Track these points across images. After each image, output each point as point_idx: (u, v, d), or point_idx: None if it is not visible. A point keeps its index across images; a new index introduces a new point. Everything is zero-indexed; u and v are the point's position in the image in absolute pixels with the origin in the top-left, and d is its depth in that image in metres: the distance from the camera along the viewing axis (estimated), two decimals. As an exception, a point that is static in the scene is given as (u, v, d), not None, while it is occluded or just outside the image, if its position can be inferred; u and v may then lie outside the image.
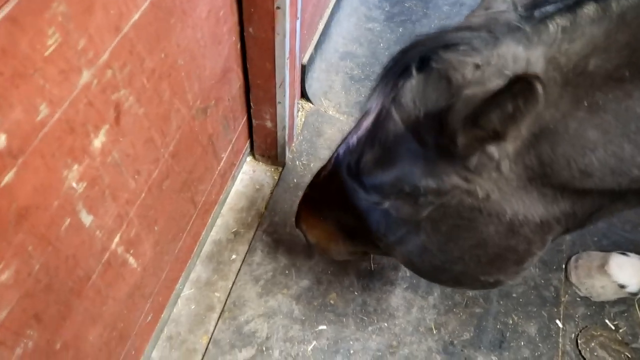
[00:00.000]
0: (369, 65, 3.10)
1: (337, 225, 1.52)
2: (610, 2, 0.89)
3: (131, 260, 1.59)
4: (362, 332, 2.16)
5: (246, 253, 2.33)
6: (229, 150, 2.25)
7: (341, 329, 2.17)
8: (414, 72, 1.00)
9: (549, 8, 0.94)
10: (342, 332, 2.16)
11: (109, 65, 1.15)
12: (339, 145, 1.36)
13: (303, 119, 2.76)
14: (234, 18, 1.82)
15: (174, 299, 2.11)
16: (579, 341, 2.18)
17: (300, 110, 2.78)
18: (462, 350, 2.14)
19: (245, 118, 2.33)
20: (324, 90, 2.89)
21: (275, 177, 2.60)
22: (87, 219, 1.26)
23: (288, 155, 2.60)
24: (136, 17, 1.19)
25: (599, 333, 2.21)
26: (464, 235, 1.13)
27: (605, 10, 0.89)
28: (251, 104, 2.25)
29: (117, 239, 1.45)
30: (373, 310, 2.22)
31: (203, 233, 2.24)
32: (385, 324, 2.19)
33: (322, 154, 2.67)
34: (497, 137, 0.89)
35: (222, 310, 2.18)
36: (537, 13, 0.95)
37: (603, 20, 0.88)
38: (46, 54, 0.93)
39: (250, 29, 1.87)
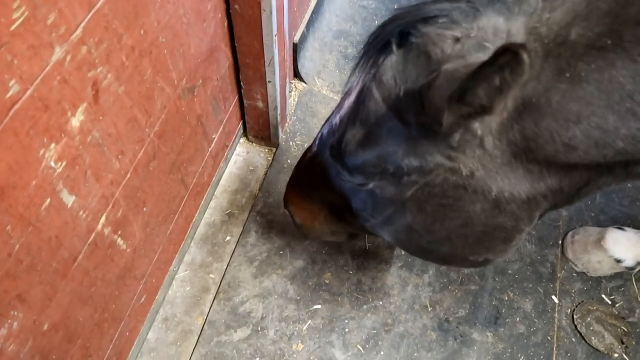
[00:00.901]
0: (363, 43, 3.04)
1: (324, 205, 1.51)
2: None
3: (120, 241, 1.58)
4: (357, 310, 2.16)
5: (240, 234, 2.33)
6: (220, 131, 2.23)
7: (336, 308, 2.17)
8: (394, 47, 0.97)
9: None
10: (337, 311, 2.16)
11: (84, 42, 1.12)
12: (323, 125, 1.34)
13: (296, 99, 2.73)
14: (219, -6, 1.78)
15: (168, 281, 2.12)
16: (574, 316, 2.18)
17: (293, 90, 2.74)
18: (457, 327, 2.14)
19: (236, 98, 2.31)
20: (318, 70, 2.85)
21: (269, 158, 2.58)
22: (68, 199, 1.24)
23: (281, 135, 2.57)
24: (110, -9, 1.16)
25: (595, 308, 2.20)
26: (450, 215, 1.12)
27: None
28: (242, 83, 2.22)
29: (102, 220, 1.44)
30: (368, 289, 2.22)
31: (196, 215, 2.24)
32: (380, 302, 2.18)
33: (316, 134, 2.64)
34: (484, 111, 0.86)
35: (217, 292, 2.18)
36: None
37: None
38: (12, 28, 0.91)
39: (236, 6, 1.84)
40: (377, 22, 3.12)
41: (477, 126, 0.92)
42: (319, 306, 2.17)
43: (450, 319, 2.17)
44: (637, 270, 2.23)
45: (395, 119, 1.00)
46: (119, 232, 1.57)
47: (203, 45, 1.79)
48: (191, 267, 2.24)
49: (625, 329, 2.16)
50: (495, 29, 0.90)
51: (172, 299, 2.16)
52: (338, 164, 1.20)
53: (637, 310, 2.22)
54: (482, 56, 0.88)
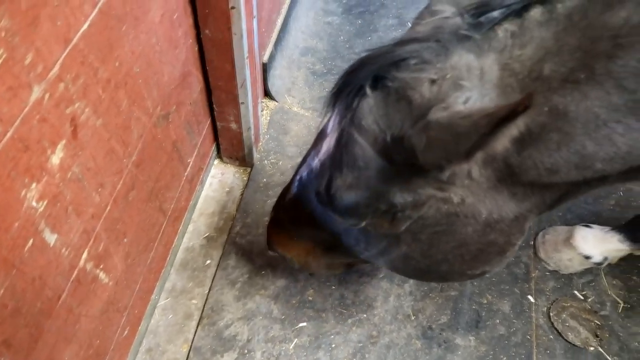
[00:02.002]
0: (330, 59, 3.10)
1: (314, 242, 1.52)
2: (555, 4, 0.90)
3: (102, 275, 1.55)
4: (342, 325, 2.18)
5: (220, 257, 2.31)
6: (194, 154, 2.22)
7: (321, 324, 2.18)
8: (369, 91, 0.99)
9: (495, 14, 0.93)
10: (322, 327, 2.17)
11: (61, 79, 1.11)
12: (300, 167, 1.35)
13: (268, 118, 2.75)
14: (189, 20, 1.79)
15: (150, 310, 2.08)
16: (551, 314, 2.26)
17: (265, 109, 2.76)
18: (440, 334, 2.19)
19: (209, 121, 2.31)
20: (287, 87, 2.88)
21: (245, 179, 2.58)
22: (51, 237, 1.22)
23: (256, 155, 2.58)
24: (85, 26, 1.16)
25: (569, 304, 2.29)
26: (444, 239, 1.15)
27: (552, 13, 0.89)
28: (214, 106, 2.22)
29: (85, 255, 1.41)
30: (351, 303, 2.24)
31: (175, 241, 2.21)
32: (364, 315, 2.21)
33: (290, 152, 2.66)
34: (469, 157, 0.93)
35: (201, 317, 2.15)
36: (483, 19, 0.94)
37: (550, 23, 0.89)
38: (-8, 71, 0.90)
39: (207, 31, 1.85)
40: (342, 38, 3.19)
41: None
42: (304, 324, 2.18)
43: (433, 326, 2.21)
44: (604, 265, 2.33)
45: (383, 160, 1.02)
46: (101, 266, 1.54)
47: (176, 72, 1.79)
48: (172, 294, 2.21)
49: (599, 323, 2.26)
50: (468, 66, 0.93)
51: (155, 328, 2.12)
52: (328, 209, 1.20)
53: (608, 304, 2.32)
54: (460, 95, 0.91)
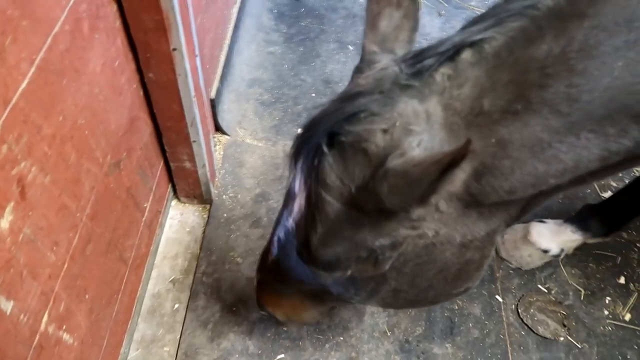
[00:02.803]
0: (277, 88, 3.14)
1: (302, 295, 1.55)
2: (483, 44, 0.98)
3: (66, 336, 1.49)
4: (320, 351, 2.17)
5: (189, 299, 2.26)
6: (151, 198, 2.18)
7: (299, 353, 2.15)
8: (326, 149, 1.02)
9: (430, 61, 1.00)
10: (301, 356, 2.15)
11: (3, 140, 1.08)
12: (275, 228, 1.39)
13: (222, 152, 2.74)
14: (132, 66, 1.78)
15: (120, 365, 2.00)
16: (519, 310, 2.33)
17: (218, 144, 2.75)
18: (417, 345, 2.21)
19: (162, 163, 2.28)
20: (238, 120, 2.89)
21: (205, 216, 2.55)
22: (7, 305, 1.16)
23: (213, 191, 2.56)
24: (24, 85, 1.14)
25: (535, 299, 2.37)
26: (427, 268, 1.22)
27: (481, 53, 0.98)
28: (165, 147, 2.20)
29: (45, 319, 1.36)
30: (327, 327, 2.23)
31: (139, 289, 2.15)
32: (341, 338, 2.20)
33: (248, 184, 2.66)
34: (424, 202, 0.99)
35: (175, 364, 2.09)
36: (419, 67, 1.01)
37: (481, 62, 0.97)
38: None
39: (150, 75, 1.84)
40: (286, 66, 3.25)
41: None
42: (282, 355, 2.15)
43: (410, 339, 2.23)
44: (562, 256, 2.44)
45: (354, 211, 1.05)
46: (64, 327, 1.48)
47: (122, 118, 1.77)
48: (142, 345, 2.13)
49: (564, 313, 2.34)
50: (415, 111, 0.98)
51: (128, 382, 2.04)
52: (312, 267, 1.24)
53: (571, 293, 2.42)
54: (413, 140, 0.97)
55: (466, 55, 0.99)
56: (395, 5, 1.15)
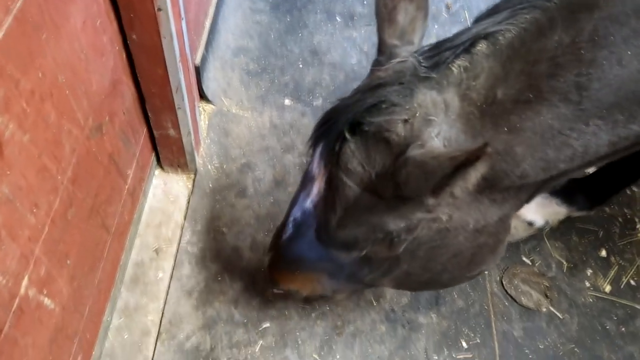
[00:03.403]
0: (263, 57, 3.07)
1: (317, 271, 1.54)
2: (497, 36, 1.02)
3: (47, 301, 1.46)
4: (306, 320, 2.17)
5: (173, 268, 2.24)
6: (134, 166, 2.13)
7: (285, 322, 2.15)
8: (349, 137, 1.08)
9: (447, 54, 1.06)
10: (286, 325, 2.15)
11: (-22, 93, 1.03)
12: (292, 207, 1.42)
13: (207, 121, 2.69)
14: (114, 26, 1.71)
15: (103, 333, 1.97)
16: (503, 282, 2.35)
17: (202, 113, 2.70)
18: (403, 315, 2.23)
19: (145, 130, 2.22)
20: (223, 89, 2.82)
21: (189, 186, 2.51)
22: (-15, 266, 1.13)
23: (198, 160, 2.52)
24: (0, 35, 1.07)
25: (519, 270, 2.40)
26: (440, 252, 1.26)
27: (495, 45, 1.02)
28: (149, 114, 2.14)
29: (25, 282, 1.32)
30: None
31: (122, 257, 2.11)
32: (327, 307, 2.21)
33: (233, 154, 2.62)
34: (436, 194, 1.05)
35: (159, 333, 2.07)
36: (437, 59, 1.06)
37: (496, 54, 1.02)
38: None
39: (134, 36, 1.77)
40: (273, 36, 3.18)
41: None
42: (268, 324, 2.15)
43: (396, 308, 2.25)
44: (547, 229, 2.46)
45: (373, 196, 1.11)
46: (45, 292, 1.44)
47: (105, 80, 1.70)
48: (126, 313, 2.11)
49: (547, 284, 2.38)
50: (433, 102, 1.04)
51: (111, 350, 2.01)
52: (331, 247, 1.30)
53: (554, 265, 2.45)
54: (432, 130, 1.03)
55: (481, 47, 1.03)
56: None
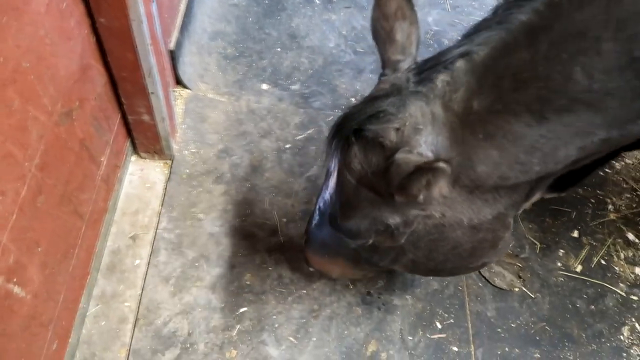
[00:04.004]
0: (241, 42, 3.04)
1: (342, 257, 1.76)
2: (472, 55, 1.16)
3: (17, 289, 1.45)
4: (283, 304, 2.19)
5: (150, 255, 2.23)
6: (107, 152, 2.11)
7: (262, 307, 2.17)
8: (353, 140, 1.26)
9: (431, 70, 1.21)
10: (263, 309, 2.17)
11: None
12: (318, 198, 1.63)
13: (183, 107, 2.66)
14: (81, 9, 1.68)
15: (80, 320, 1.97)
16: (477, 264, 2.39)
17: (178, 98, 2.67)
18: (379, 297, 2.26)
19: (119, 116, 2.19)
20: (199, 74, 2.80)
21: (166, 172, 2.49)
22: (-52, 255, 1.11)
23: (174, 146, 2.50)
24: (-45, 19, 1.05)
25: (493, 252, 2.44)
26: (440, 244, 1.39)
27: (471, 61, 1.16)
28: (122, 99, 2.11)
29: (-7, 270, 1.31)
30: (289, 281, 2.25)
31: (97, 244, 2.10)
32: (304, 291, 2.23)
33: (210, 139, 2.60)
34: (399, 194, 1.19)
35: (136, 319, 2.08)
36: (423, 75, 1.23)
37: (473, 70, 1.16)
38: None
39: (102, 19, 1.74)
40: (250, 19, 3.14)
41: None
42: (245, 309, 2.16)
43: (372, 291, 2.28)
44: (520, 211, 2.50)
45: (371, 192, 1.28)
46: (14, 280, 1.43)
47: (73, 65, 1.68)
48: (102, 300, 2.11)
49: (520, 265, 2.43)
50: (422, 113, 1.19)
51: (88, 337, 2.02)
52: (340, 233, 1.49)
53: (527, 246, 2.50)
54: (420, 138, 1.18)
55: (460, 64, 1.17)
56: (402, 17, 1.37)
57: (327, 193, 1.47)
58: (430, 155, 1.19)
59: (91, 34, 1.79)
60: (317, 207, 1.63)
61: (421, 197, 1.19)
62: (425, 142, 1.18)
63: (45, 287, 1.63)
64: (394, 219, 1.30)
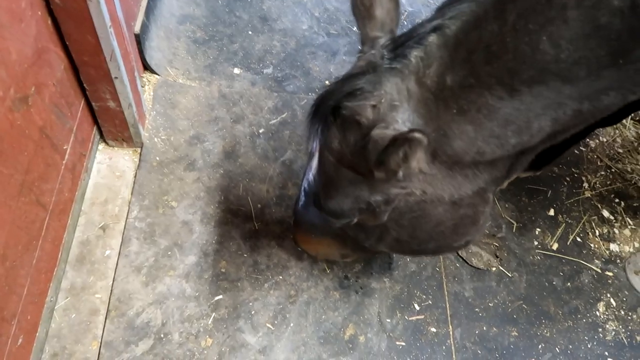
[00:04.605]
0: (211, 25, 2.96)
1: (330, 237, 1.78)
2: (444, 29, 1.15)
3: (-27, 283, 1.39)
4: (259, 291, 2.16)
5: (121, 245, 2.17)
6: (72, 140, 2.03)
7: (238, 294, 2.14)
8: (331, 119, 1.25)
9: (405, 46, 1.20)
10: (239, 297, 2.13)
11: None
12: (302, 180, 1.62)
13: (152, 93, 2.58)
14: (33, -11, 1.60)
15: (47, 314, 1.91)
16: (455, 244, 2.38)
17: (147, 84, 2.59)
18: (356, 281, 2.24)
19: (82, 102, 2.11)
20: (168, 59, 2.72)
21: (136, 160, 2.42)
22: None
23: (144, 134, 2.43)
24: None
25: (469, 233, 2.43)
26: (423, 221, 1.40)
27: (444, 36, 1.15)
28: (85, 85, 2.04)
29: (-56, 264, 1.25)
30: (266, 267, 2.22)
31: (65, 236, 2.04)
32: (280, 277, 2.20)
33: (181, 126, 2.54)
34: (378, 168, 1.16)
35: (108, 310, 2.03)
36: (398, 51, 1.21)
37: (445, 44, 1.15)
38: None
39: (57, 0, 1.66)
40: (220, 2, 3.06)
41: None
42: (220, 296, 2.12)
43: (349, 275, 2.25)
44: (496, 190, 2.49)
45: (351, 172, 1.28)
46: (-30, 273, 1.37)
47: (27, 49, 1.60)
48: (72, 293, 2.05)
49: (497, 244, 2.43)
50: (398, 88, 1.18)
51: (58, 331, 1.96)
52: (323, 213, 1.47)
53: (504, 226, 2.50)
54: (396, 114, 1.18)
55: (432, 38, 1.16)
56: None
57: (311, 174, 1.47)
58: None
59: (47, 15, 1.70)
60: (303, 187, 1.62)
61: (400, 172, 1.17)
62: (402, 119, 1.18)
63: (6, 280, 1.57)
64: (374, 197, 1.30)
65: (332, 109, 1.24)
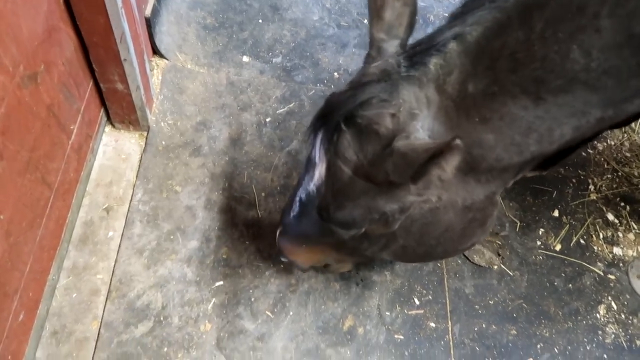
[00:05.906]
0: (221, 12, 2.95)
1: (321, 245, 1.66)
2: (465, 36, 1.13)
3: (-23, 257, 1.40)
4: (259, 278, 2.16)
5: (124, 227, 2.18)
6: (79, 121, 2.04)
7: (239, 280, 2.14)
8: (345, 128, 1.19)
9: (423, 54, 1.18)
10: (240, 283, 2.14)
11: None
12: (296, 189, 1.53)
13: (160, 77, 2.58)
14: (45, -33, 1.59)
15: (49, 292, 1.93)
16: (457, 241, 2.38)
17: (155, 68, 2.59)
18: (357, 273, 2.24)
19: (91, 83, 2.12)
20: (178, 44, 2.71)
21: (142, 143, 2.43)
22: None
23: (150, 117, 2.43)
24: None
25: (472, 230, 2.42)
26: (433, 228, 1.37)
27: (464, 43, 1.13)
28: (94, 65, 2.04)
29: (-52, 236, 1.25)
30: (267, 255, 2.22)
31: (69, 215, 2.05)
32: (281, 265, 2.20)
33: (188, 111, 2.53)
34: (415, 181, 1.11)
35: (109, 291, 2.04)
36: (415, 59, 1.19)
37: (466, 51, 1.13)
38: None
39: (69, -22, 1.66)
40: (232, -11, 3.04)
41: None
42: (221, 282, 2.13)
43: (350, 267, 2.25)
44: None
45: (367, 182, 1.22)
46: (-26, 247, 1.38)
47: (38, 27, 1.60)
48: (74, 272, 2.06)
49: (500, 243, 2.42)
50: (416, 97, 1.16)
51: (58, 309, 1.97)
52: (331, 225, 1.39)
53: (507, 224, 2.49)
54: (416, 123, 1.15)
55: (452, 46, 1.14)
56: None
57: (312, 185, 1.38)
58: (428, 140, 1.15)
59: (59, -6, 1.70)
60: (297, 199, 1.53)
61: (437, 181, 1.18)
62: (422, 127, 1.16)
63: (9, 256, 1.58)
64: (389, 207, 1.26)
65: (345, 118, 1.19)
